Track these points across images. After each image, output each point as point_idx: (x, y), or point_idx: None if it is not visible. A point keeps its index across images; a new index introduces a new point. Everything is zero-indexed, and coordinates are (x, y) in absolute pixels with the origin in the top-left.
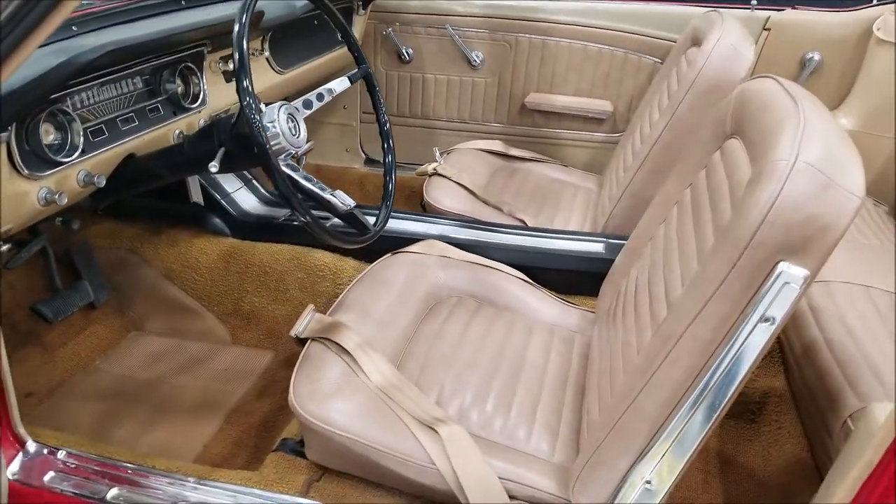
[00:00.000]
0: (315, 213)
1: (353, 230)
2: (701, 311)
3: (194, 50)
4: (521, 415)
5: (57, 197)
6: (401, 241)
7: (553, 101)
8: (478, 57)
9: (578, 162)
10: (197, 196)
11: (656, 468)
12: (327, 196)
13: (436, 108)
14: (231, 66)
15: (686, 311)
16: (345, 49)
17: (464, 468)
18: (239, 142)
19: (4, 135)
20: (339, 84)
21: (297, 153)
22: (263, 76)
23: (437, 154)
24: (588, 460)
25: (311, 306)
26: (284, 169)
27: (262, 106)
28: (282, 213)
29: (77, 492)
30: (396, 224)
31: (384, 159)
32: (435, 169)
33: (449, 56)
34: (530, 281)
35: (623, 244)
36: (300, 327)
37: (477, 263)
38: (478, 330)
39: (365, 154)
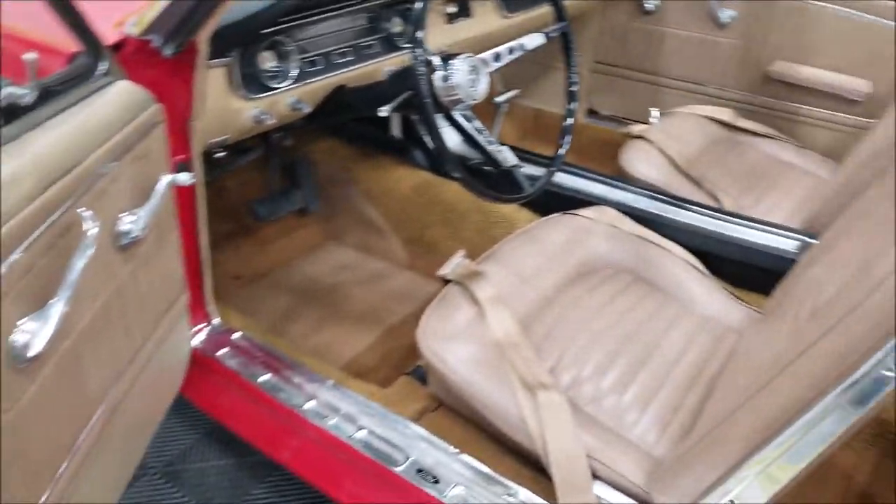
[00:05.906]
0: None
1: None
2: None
3: None
4: (636, 400)
5: (266, 118)
6: (576, 202)
7: (801, 73)
8: (728, 15)
9: (818, 144)
10: (396, 131)
11: (745, 488)
12: (493, 150)
13: (669, 66)
14: (453, 9)
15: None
16: None
17: (553, 435)
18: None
19: (226, 59)
20: (533, 40)
21: (472, 104)
22: (486, 19)
23: (654, 115)
24: (677, 461)
25: (461, 251)
26: (458, 118)
27: (435, 58)
28: (477, 156)
29: (238, 369)
30: (576, 182)
31: (564, 120)
32: (641, 132)
33: (696, 12)
34: (700, 267)
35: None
36: (447, 269)
37: (645, 239)
38: (621, 306)
39: (589, 104)
